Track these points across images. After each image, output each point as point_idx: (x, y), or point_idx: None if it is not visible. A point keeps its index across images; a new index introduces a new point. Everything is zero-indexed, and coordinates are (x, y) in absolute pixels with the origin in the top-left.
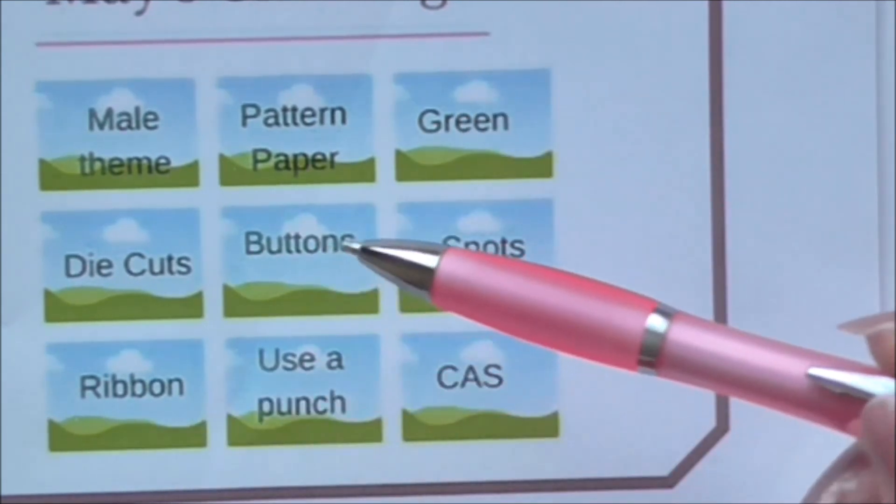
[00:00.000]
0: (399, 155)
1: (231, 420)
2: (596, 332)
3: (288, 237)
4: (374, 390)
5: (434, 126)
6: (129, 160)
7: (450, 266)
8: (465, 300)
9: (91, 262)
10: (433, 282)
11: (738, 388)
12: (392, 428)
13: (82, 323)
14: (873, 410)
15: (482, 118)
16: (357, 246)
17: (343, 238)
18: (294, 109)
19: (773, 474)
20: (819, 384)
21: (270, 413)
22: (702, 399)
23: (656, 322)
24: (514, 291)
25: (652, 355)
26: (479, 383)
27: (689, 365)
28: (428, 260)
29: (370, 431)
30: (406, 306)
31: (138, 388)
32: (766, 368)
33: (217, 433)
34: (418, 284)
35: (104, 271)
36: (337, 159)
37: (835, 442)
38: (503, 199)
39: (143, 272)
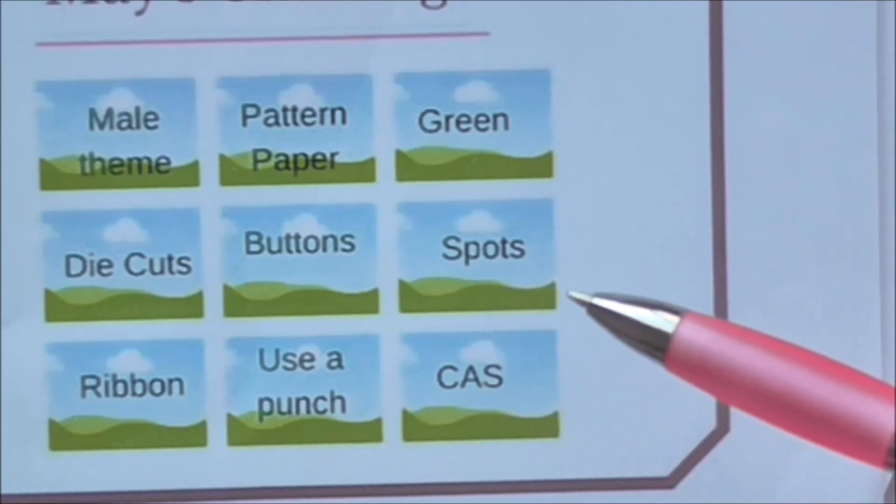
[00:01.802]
0: (399, 155)
1: (231, 420)
2: (844, 423)
3: (288, 237)
4: (374, 390)
5: (434, 126)
6: (130, 160)
7: (688, 334)
8: (702, 372)
9: (91, 262)
10: (668, 349)
11: None
12: (392, 428)
13: (83, 323)
14: None
15: (482, 118)
16: (586, 299)
17: (343, 238)
18: (294, 109)
19: (773, 475)
20: None
21: (270, 413)
22: (702, 400)
23: None
24: (755, 368)
25: None
26: (479, 383)
27: None
28: (664, 324)
29: (370, 431)
30: (406, 306)
31: (138, 388)
32: None
33: (217, 433)
34: (652, 347)
35: (104, 271)
36: (337, 159)
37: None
38: (503, 199)
39: (143, 272)
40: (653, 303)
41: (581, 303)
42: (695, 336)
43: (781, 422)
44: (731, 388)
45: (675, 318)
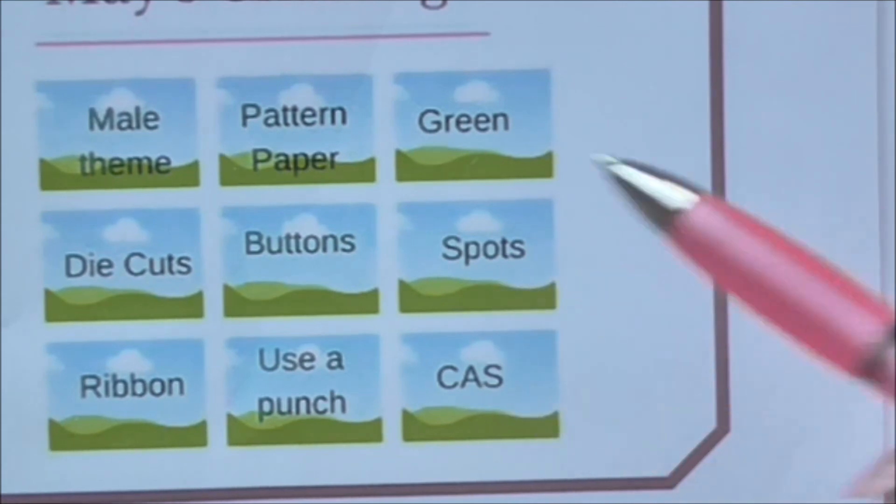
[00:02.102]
0: (399, 155)
1: (231, 420)
2: (822, 325)
3: (288, 237)
4: (374, 390)
5: (434, 126)
6: (130, 160)
7: (699, 217)
8: (705, 253)
9: (91, 262)
10: (677, 227)
11: None
12: (392, 428)
13: (83, 322)
14: None
15: (482, 118)
16: (608, 162)
17: (343, 238)
18: (294, 109)
19: (773, 475)
20: None
21: (270, 413)
22: (703, 399)
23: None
24: (754, 259)
25: (870, 369)
26: (479, 383)
27: None
28: (679, 201)
29: (370, 431)
30: (406, 306)
31: (139, 388)
32: None
33: (217, 433)
34: (661, 222)
35: (104, 271)
36: (337, 159)
37: (836, 443)
38: (503, 199)
39: (143, 272)
40: (672, 177)
41: (603, 167)
42: (705, 220)
43: (768, 314)
44: (727, 274)
45: (692, 197)
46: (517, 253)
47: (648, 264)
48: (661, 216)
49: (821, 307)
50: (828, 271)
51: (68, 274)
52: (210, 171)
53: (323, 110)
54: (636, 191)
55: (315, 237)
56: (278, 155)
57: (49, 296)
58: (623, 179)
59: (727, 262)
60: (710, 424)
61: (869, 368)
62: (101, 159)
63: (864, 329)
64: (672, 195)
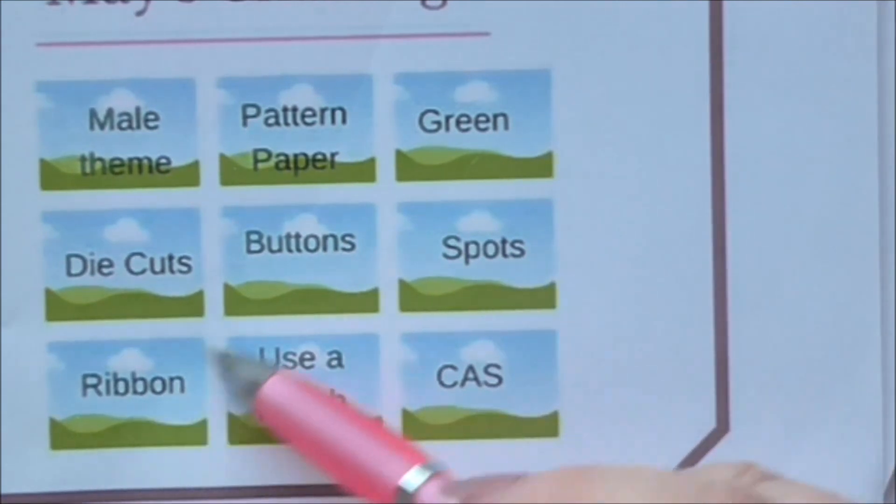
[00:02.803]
0: (399, 155)
1: (232, 418)
2: (365, 474)
3: (288, 237)
4: (374, 389)
5: (434, 126)
6: (130, 160)
7: (273, 387)
8: (278, 422)
9: (92, 262)
10: (256, 398)
11: None
12: (392, 427)
13: (83, 322)
14: None
15: (482, 118)
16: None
17: (343, 238)
18: (294, 109)
19: None
20: None
21: None
22: (702, 399)
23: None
24: (314, 424)
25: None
26: (478, 383)
27: None
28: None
29: None
30: (406, 306)
31: (139, 387)
32: None
33: (218, 431)
34: (246, 396)
35: (105, 270)
36: (337, 159)
37: (835, 443)
38: (503, 198)
39: (143, 271)
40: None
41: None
42: (278, 392)
43: (328, 466)
44: (298, 437)
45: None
46: (517, 253)
47: (648, 264)
48: (245, 391)
49: (365, 458)
50: (374, 429)
51: (69, 273)
52: (210, 171)
53: (323, 110)
54: (229, 371)
55: (315, 237)
56: (278, 155)
57: (50, 295)
58: (219, 360)
59: (294, 428)
60: (710, 424)
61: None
62: (101, 159)
63: (398, 471)
64: (252, 373)
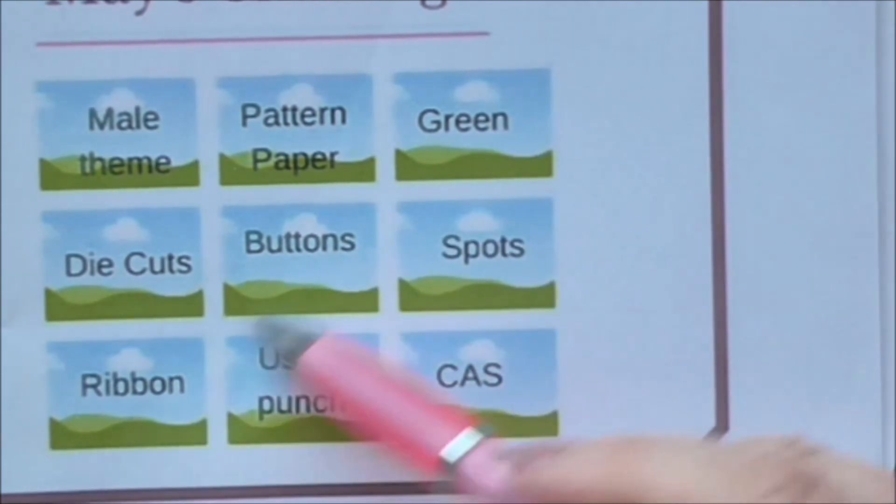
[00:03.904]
0: (399, 154)
1: (231, 418)
2: (410, 442)
3: (288, 236)
4: None
5: (434, 126)
6: (130, 160)
7: (317, 353)
8: (322, 386)
9: (92, 262)
10: (299, 361)
11: None
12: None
13: (83, 322)
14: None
15: (482, 118)
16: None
17: (343, 237)
18: (294, 109)
19: None
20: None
21: (271, 411)
22: (701, 398)
23: (453, 451)
24: (360, 390)
25: (450, 471)
26: (478, 382)
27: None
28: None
29: None
30: (406, 305)
31: (139, 387)
32: None
33: (217, 431)
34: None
35: (105, 270)
36: (337, 159)
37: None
38: (503, 198)
39: (143, 271)
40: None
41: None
42: (323, 356)
43: (373, 434)
44: (340, 403)
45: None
46: (517, 252)
47: (648, 263)
48: (289, 356)
49: (410, 425)
50: (420, 396)
51: (69, 273)
52: (210, 171)
53: (323, 110)
54: (276, 334)
55: (315, 236)
56: (278, 154)
57: (49, 295)
58: (266, 325)
59: (338, 393)
60: (710, 422)
61: (449, 471)
62: (101, 159)
63: (442, 440)
64: (296, 338)
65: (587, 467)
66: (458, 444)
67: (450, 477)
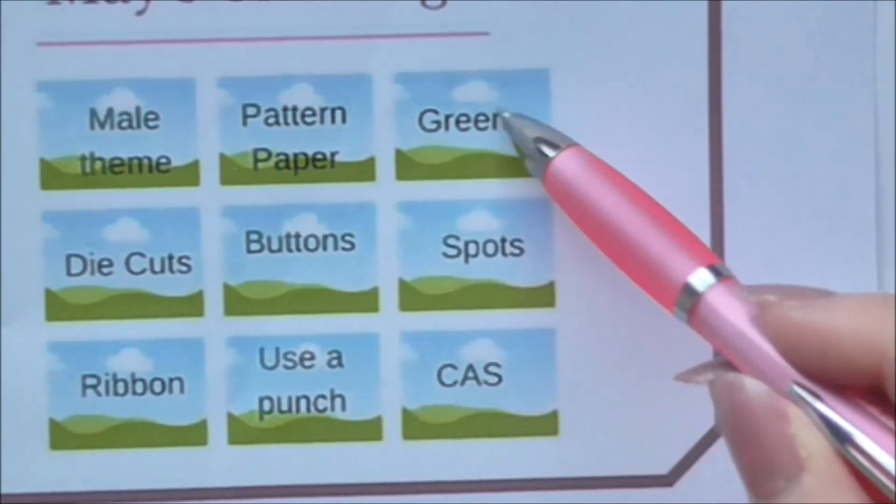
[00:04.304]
0: (399, 154)
1: (231, 418)
2: (653, 266)
3: (288, 236)
4: (374, 389)
5: (434, 126)
6: (130, 160)
7: (562, 164)
8: (565, 196)
9: (92, 262)
10: (547, 172)
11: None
12: (392, 426)
13: (83, 322)
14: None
15: (482, 117)
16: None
17: (343, 237)
18: (294, 109)
19: None
20: None
21: (271, 411)
22: (701, 397)
23: (699, 280)
24: (603, 203)
25: (687, 305)
26: (478, 382)
27: (710, 330)
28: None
29: (370, 430)
30: (406, 305)
31: (139, 387)
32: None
33: (217, 432)
34: (538, 168)
35: (105, 270)
36: (337, 159)
37: None
38: (503, 198)
39: (143, 271)
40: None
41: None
42: (566, 165)
43: (610, 253)
44: (582, 215)
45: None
46: (517, 251)
47: None
48: (538, 163)
49: (652, 249)
50: (668, 220)
51: (69, 273)
52: (210, 171)
53: (323, 110)
54: (522, 139)
55: (315, 236)
56: (278, 154)
57: (49, 295)
58: (511, 127)
59: (581, 205)
60: (709, 421)
61: (686, 304)
62: (101, 159)
63: (685, 270)
64: (547, 145)
65: (852, 314)
66: (703, 274)
67: (687, 306)
